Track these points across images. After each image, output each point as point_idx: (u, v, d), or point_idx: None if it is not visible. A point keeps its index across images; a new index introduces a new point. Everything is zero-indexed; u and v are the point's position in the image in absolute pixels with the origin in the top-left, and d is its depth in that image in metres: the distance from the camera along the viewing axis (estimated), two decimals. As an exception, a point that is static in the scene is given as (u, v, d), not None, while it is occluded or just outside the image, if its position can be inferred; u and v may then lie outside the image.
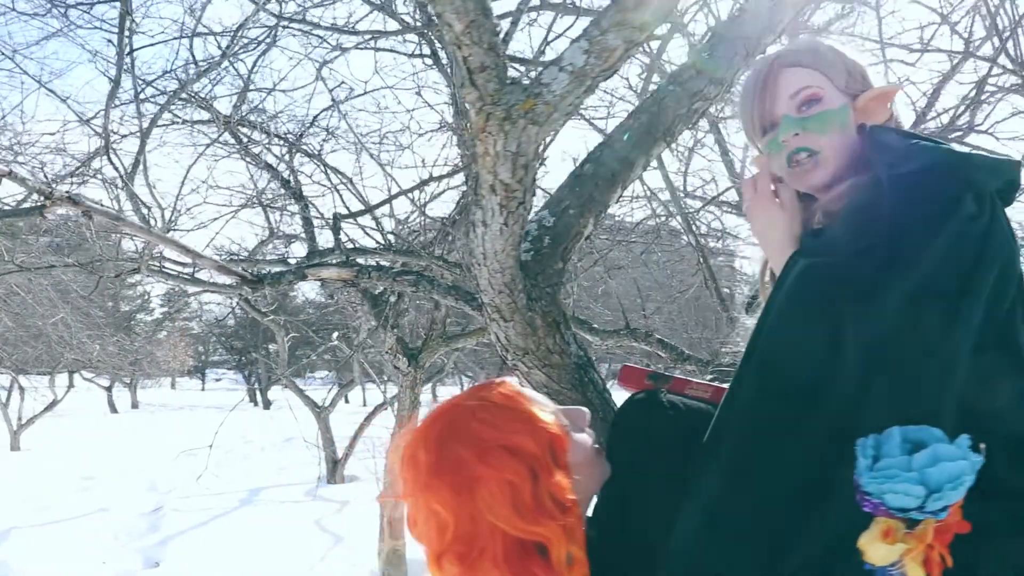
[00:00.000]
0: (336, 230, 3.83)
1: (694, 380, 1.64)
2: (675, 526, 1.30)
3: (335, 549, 8.11)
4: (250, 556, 7.72)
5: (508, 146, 1.26)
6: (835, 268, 1.33)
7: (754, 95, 1.54)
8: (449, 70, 5.92)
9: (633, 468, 1.39)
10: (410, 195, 4.30)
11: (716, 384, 1.62)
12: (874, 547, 1.05)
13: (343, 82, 4.51)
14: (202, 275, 4.71)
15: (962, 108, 4.87)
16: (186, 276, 3.97)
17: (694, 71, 2.03)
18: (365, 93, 4.60)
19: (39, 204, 1.76)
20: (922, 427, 1.08)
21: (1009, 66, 3.17)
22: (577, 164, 1.96)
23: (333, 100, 4.08)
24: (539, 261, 1.86)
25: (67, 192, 1.81)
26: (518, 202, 1.38)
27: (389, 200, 4.49)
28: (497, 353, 1.96)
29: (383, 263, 2.84)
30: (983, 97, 4.79)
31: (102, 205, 2.70)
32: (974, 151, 1.47)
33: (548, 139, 1.38)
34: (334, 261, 2.84)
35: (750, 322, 1.70)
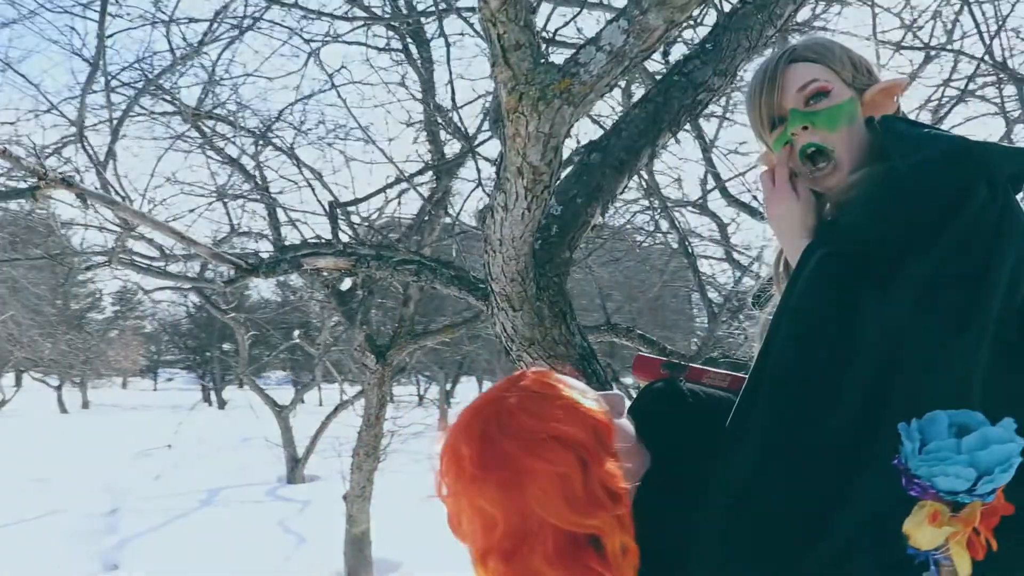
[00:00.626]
0: (333, 219, 3.76)
1: (710, 369, 1.62)
2: (704, 512, 1.29)
3: (299, 549, 8.01)
4: (212, 557, 7.58)
5: (541, 127, 1.23)
6: (852, 257, 1.33)
7: (762, 90, 1.54)
8: (420, 63, 5.89)
9: (657, 458, 1.37)
10: (410, 183, 4.24)
11: (733, 373, 1.61)
12: (921, 530, 1.04)
13: (343, 67, 4.43)
14: (171, 269, 4.61)
15: (923, 111, 4.97)
16: (157, 269, 3.87)
17: (699, 61, 2.02)
18: (350, 83, 4.52)
19: (32, 186, 1.69)
20: (965, 411, 1.08)
21: (990, 61, 3.23)
22: (584, 152, 1.94)
23: (333, 84, 4.01)
24: (547, 250, 1.84)
25: (61, 174, 1.74)
26: (544, 186, 1.36)
27: (389, 186, 4.43)
28: (502, 344, 1.93)
29: (383, 252, 2.80)
30: (944, 100, 4.88)
31: (97, 189, 2.62)
32: (986, 140, 1.48)
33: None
34: (328, 252, 2.79)
35: (763, 315, 1.70)
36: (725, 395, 1.52)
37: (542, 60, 1.21)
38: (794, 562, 1.22)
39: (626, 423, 1.28)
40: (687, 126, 4.58)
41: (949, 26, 4.97)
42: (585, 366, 1.97)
